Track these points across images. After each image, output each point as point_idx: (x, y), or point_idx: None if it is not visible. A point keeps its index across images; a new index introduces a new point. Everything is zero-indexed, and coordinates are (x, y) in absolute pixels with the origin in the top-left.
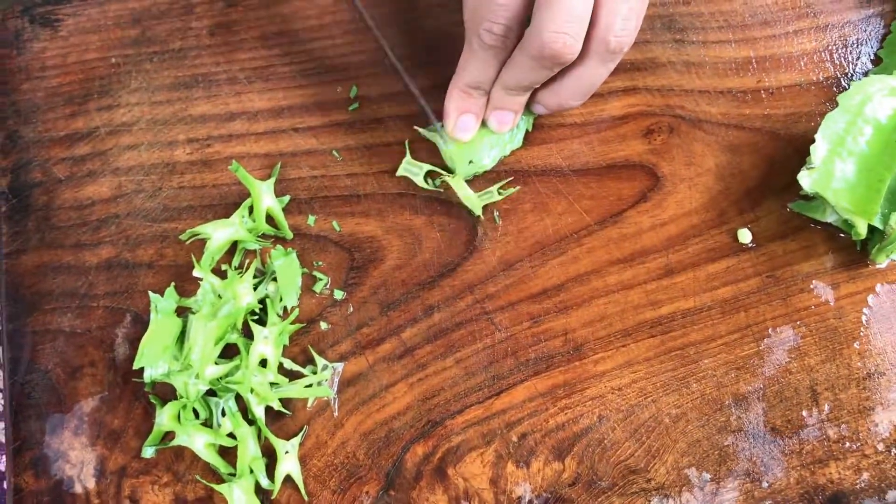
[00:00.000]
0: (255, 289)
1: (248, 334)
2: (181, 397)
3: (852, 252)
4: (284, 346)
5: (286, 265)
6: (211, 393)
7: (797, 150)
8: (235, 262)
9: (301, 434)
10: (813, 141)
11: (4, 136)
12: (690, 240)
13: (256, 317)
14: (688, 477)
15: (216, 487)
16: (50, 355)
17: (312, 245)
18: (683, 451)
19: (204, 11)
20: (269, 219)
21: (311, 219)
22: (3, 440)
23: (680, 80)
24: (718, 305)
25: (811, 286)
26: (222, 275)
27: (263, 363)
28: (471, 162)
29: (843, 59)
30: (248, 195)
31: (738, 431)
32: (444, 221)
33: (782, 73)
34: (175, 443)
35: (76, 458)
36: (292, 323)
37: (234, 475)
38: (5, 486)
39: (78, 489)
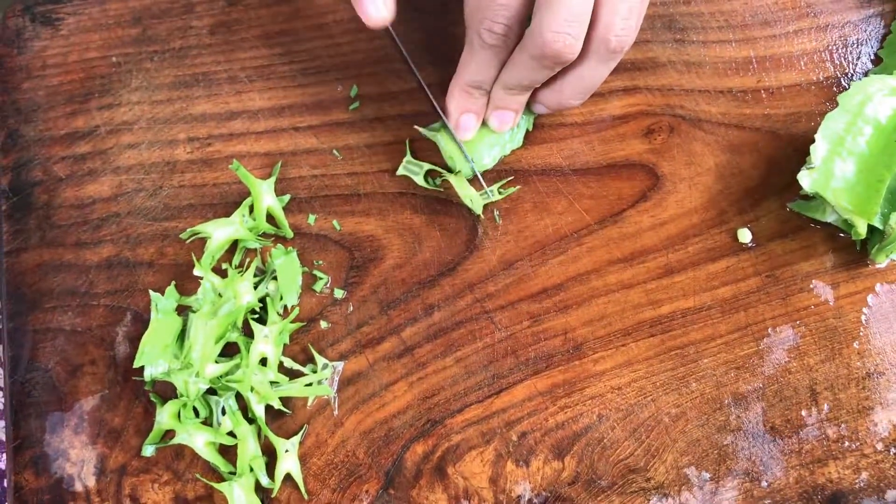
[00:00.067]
0: (255, 287)
1: (248, 333)
2: (181, 396)
3: (852, 252)
4: (284, 345)
5: (286, 264)
6: (211, 391)
7: (797, 150)
8: (236, 260)
9: (301, 433)
10: (813, 141)
11: (5, 135)
12: (690, 239)
13: (257, 315)
14: (687, 476)
15: (216, 486)
16: (50, 354)
17: (313, 244)
18: (683, 451)
19: (204, 10)
20: (270, 218)
21: (312, 218)
22: (4, 438)
23: (680, 79)
24: (718, 305)
25: (811, 286)
26: (223, 273)
27: (264, 362)
28: (472, 161)
29: (843, 58)
30: (249, 194)
31: (738, 431)
32: (445, 220)
33: (782, 73)
34: (175, 441)
35: (76, 456)
36: (292, 322)
37: (234, 474)
38: (6, 484)
39: (78, 487)
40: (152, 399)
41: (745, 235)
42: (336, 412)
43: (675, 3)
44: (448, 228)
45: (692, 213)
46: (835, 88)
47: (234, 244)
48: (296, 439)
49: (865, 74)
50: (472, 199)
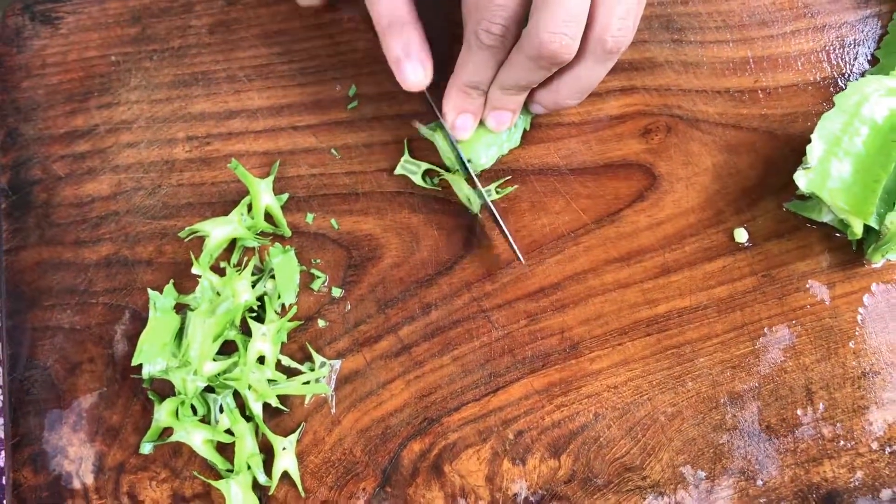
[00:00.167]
0: (253, 286)
1: (246, 331)
2: (179, 394)
3: (848, 252)
4: (282, 344)
5: (284, 263)
6: (209, 389)
7: (794, 150)
8: (234, 259)
9: (298, 431)
10: (809, 141)
11: (5, 134)
12: (687, 239)
13: (255, 314)
14: (683, 475)
15: (214, 483)
16: (49, 351)
17: (311, 243)
18: (679, 449)
19: (204, 10)
20: (268, 216)
21: (310, 217)
22: (3, 436)
23: (677, 79)
24: (714, 304)
25: (807, 285)
26: (221, 272)
27: (261, 360)
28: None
29: (840, 59)
30: (247, 193)
31: (734, 430)
32: (442, 220)
33: (779, 74)
34: (173, 439)
35: (75, 453)
36: (290, 320)
37: (231, 471)
38: (4, 481)
39: (76, 485)
40: (150, 397)
41: (741, 235)
42: (333, 410)
43: (672, 3)
44: (446, 227)
45: (689, 212)
46: (832, 89)
47: (233, 243)
48: (293, 437)
49: (862, 75)
50: (470, 198)
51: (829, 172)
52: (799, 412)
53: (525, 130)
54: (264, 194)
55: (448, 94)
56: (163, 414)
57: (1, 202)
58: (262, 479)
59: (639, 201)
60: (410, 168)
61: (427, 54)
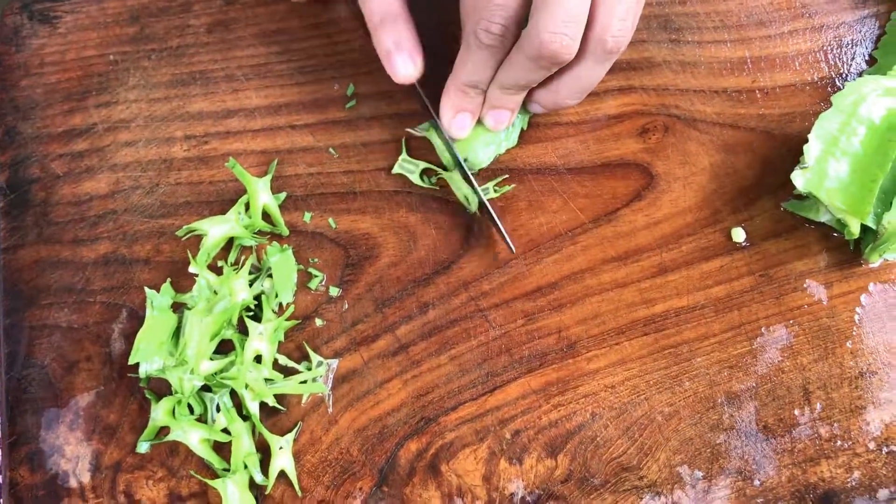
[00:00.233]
0: (250, 285)
1: (243, 330)
2: (176, 393)
3: (845, 251)
4: (279, 343)
5: (282, 262)
6: (206, 388)
7: (791, 150)
8: (231, 258)
9: (295, 430)
10: (807, 141)
11: (3, 132)
12: (684, 238)
13: (252, 313)
14: (680, 475)
15: (210, 483)
16: (46, 350)
17: (308, 242)
18: (676, 449)
19: (202, 9)
20: (266, 215)
21: (308, 216)
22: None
23: (675, 79)
24: (712, 304)
25: (804, 285)
26: (218, 271)
27: (258, 359)
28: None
29: (837, 59)
30: (245, 192)
31: (731, 430)
32: (440, 219)
33: (777, 73)
34: (170, 438)
35: (72, 452)
36: (287, 319)
37: (228, 470)
38: (1, 480)
39: (73, 483)
40: (147, 396)
41: (738, 235)
42: (330, 409)
43: (670, 3)
44: (443, 227)
45: (686, 212)
46: (829, 89)
47: (230, 242)
48: (290, 436)
49: (860, 75)
50: (468, 197)
51: (826, 172)
52: (796, 412)
53: (523, 130)
54: (262, 193)
55: (447, 93)
56: (159, 413)
57: None
58: (258, 478)
59: (636, 201)
60: (408, 167)
61: (418, 48)
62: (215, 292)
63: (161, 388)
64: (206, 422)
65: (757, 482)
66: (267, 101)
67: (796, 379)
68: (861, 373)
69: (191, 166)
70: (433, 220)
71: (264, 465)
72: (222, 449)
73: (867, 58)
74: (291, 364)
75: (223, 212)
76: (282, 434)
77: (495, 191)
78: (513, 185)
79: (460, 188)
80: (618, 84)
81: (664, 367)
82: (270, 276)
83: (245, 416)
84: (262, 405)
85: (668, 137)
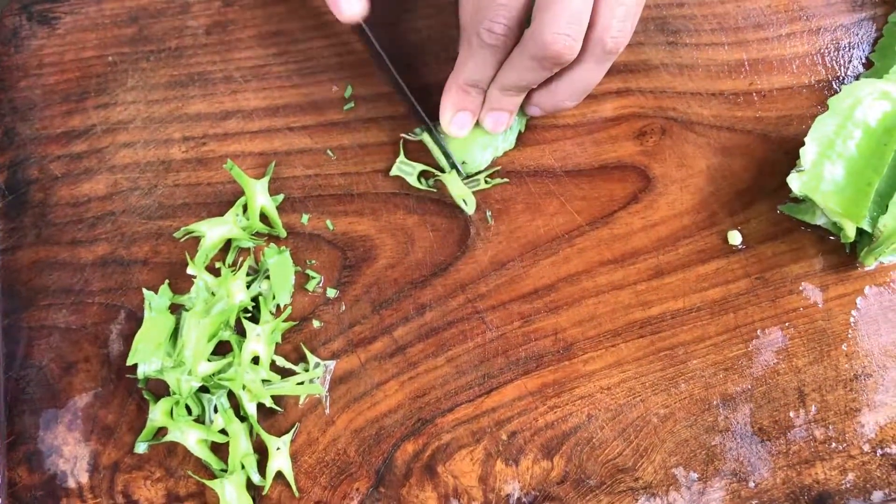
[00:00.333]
0: (248, 286)
1: (240, 332)
2: (174, 394)
3: (841, 254)
4: (277, 344)
5: (279, 263)
6: (203, 389)
7: (788, 153)
8: (229, 259)
9: (292, 431)
10: (803, 144)
11: (1, 133)
12: (681, 241)
13: (249, 314)
14: (675, 476)
15: (208, 483)
16: (45, 351)
17: (306, 243)
18: (671, 451)
19: (200, 10)
20: (263, 217)
21: (305, 217)
22: None
23: (672, 82)
24: (708, 306)
25: (800, 288)
26: (216, 272)
27: (256, 360)
28: (464, 162)
29: (834, 62)
30: (243, 193)
31: (726, 431)
32: (437, 221)
33: (774, 76)
34: (168, 439)
35: (70, 452)
36: (285, 321)
37: (225, 471)
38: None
39: (71, 484)
40: (145, 396)
41: (735, 238)
42: (327, 411)
43: (668, 5)
44: (440, 229)
45: (683, 214)
46: (826, 92)
47: (228, 243)
48: (287, 437)
49: (857, 78)
50: (465, 199)
51: (822, 175)
52: (791, 414)
53: (520, 132)
54: (260, 195)
55: (447, 92)
56: (157, 414)
57: None
58: (256, 478)
59: (633, 203)
60: (406, 169)
61: None
62: (213, 294)
63: (159, 388)
64: (203, 423)
65: (752, 484)
66: (265, 103)
67: (791, 381)
68: (856, 375)
69: (189, 168)
70: (430, 222)
71: (262, 466)
72: (220, 449)
73: (864, 61)
74: (289, 365)
75: (221, 213)
76: (279, 435)
77: (487, 182)
78: (506, 180)
79: (457, 191)
80: (615, 87)
81: (660, 369)
82: (268, 277)
83: (242, 417)
84: (260, 406)
85: (665, 140)
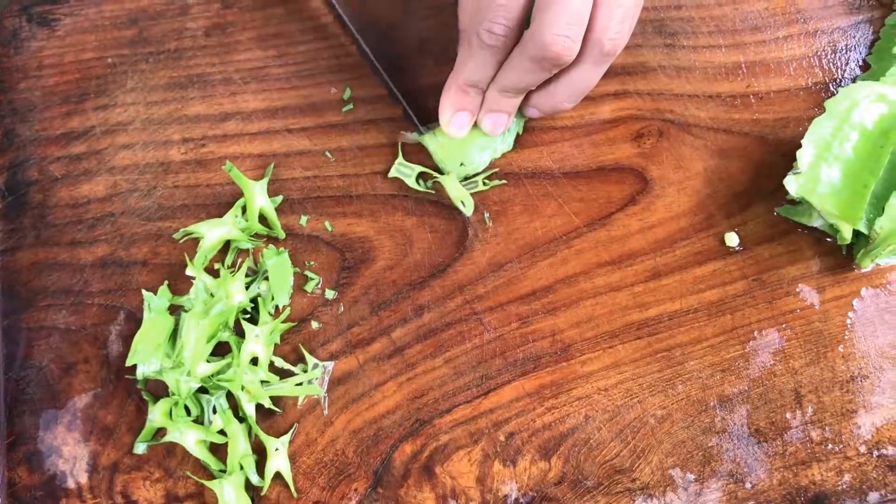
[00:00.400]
0: (247, 288)
1: (239, 333)
2: (173, 394)
3: (838, 256)
4: (275, 345)
5: (278, 264)
6: (202, 390)
7: (785, 155)
8: (228, 261)
9: (291, 431)
10: (800, 146)
11: (1, 135)
12: (678, 243)
13: (248, 315)
14: (672, 477)
15: (207, 483)
16: (44, 351)
17: (304, 245)
18: (668, 452)
19: (200, 12)
20: (262, 218)
21: (304, 219)
22: None
23: (670, 84)
24: (705, 308)
25: (797, 290)
26: (215, 273)
27: (255, 361)
28: (462, 164)
29: (831, 64)
30: (242, 195)
31: (723, 433)
32: (436, 223)
33: (771, 78)
34: (166, 439)
35: (69, 453)
36: (283, 322)
37: (224, 472)
38: None
39: (71, 484)
40: (144, 397)
41: (732, 239)
42: (326, 412)
43: (665, 7)
44: (439, 230)
45: (680, 216)
46: (823, 94)
47: (227, 244)
48: (286, 438)
49: (854, 80)
50: (464, 200)
51: (818, 177)
52: (788, 415)
53: (518, 134)
54: (258, 196)
55: (447, 92)
56: (156, 414)
57: None
58: (254, 479)
59: (630, 205)
60: (404, 171)
61: None
62: (212, 295)
63: (158, 389)
64: (202, 423)
65: (748, 485)
66: (264, 105)
67: (788, 383)
68: (853, 377)
69: (188, 169)
70: (429, 223)
71: (260, 467)
72: (219, 450)
73: (861, 63)
74: (287, 366)
75: (220, 215)
76: (277, 436)
77: (485, 183)
78: (504, 181)
79: (455, 192)
80: (613, 89)
81: (657, 370)
82: (267, 278)
83: (241, 418)
84: (259, 407)
85: (663, 142)
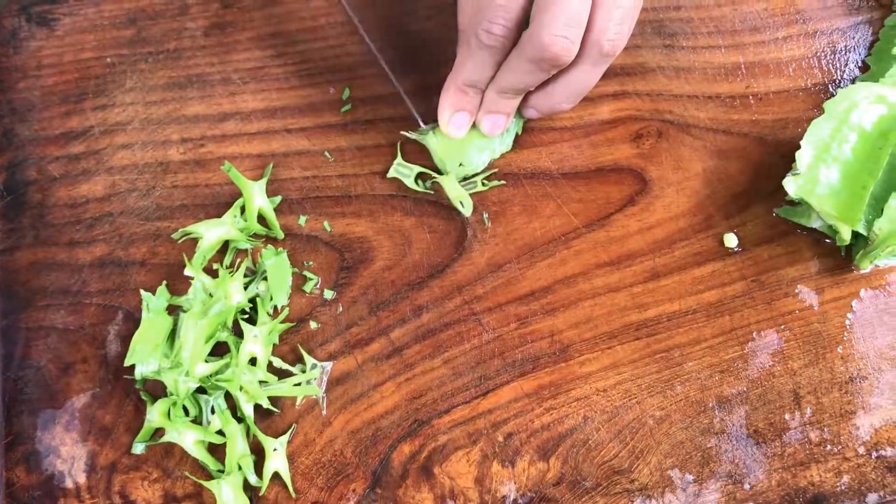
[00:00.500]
0: (245, 288)
1: (238, 333)
2: (171, 394)
3: (837, 257)
4: (274, 345)
5: (277, 265)
6: (201, 390)
7: (784, 156)
8: (227, 261)
9: (289, 432)
10: (799, 147)
11: (0, 135)
12: (677, 244)
13: (247, 315)
14: (670, 478)
15: (205, 484)
16: (43, 351)
17: (303, 245)
18: (667, 453)
19: (199, 12)
20: (261, 219)
21: (303, 219)
22: None
23: (669, 84)
24: (704, 309)
25: (796, 291)
26: (213, 274)
27: (253, 361)
28: (461, 165)
29: (831, 65)
30: (241, 195)
31: (721, 433)
32: (434, 223)
33: (771, 79)
34: (165, 439)
35: (67, 453)
36: (282, 322)
37: (222, 472)
38: None
39: (69, 484)
40: (143, 397)
41: (731, 240)
42: (324, 412)
43: (665, 8)
44: (437, 230)
45: (679, 217)
46: (822, 95)
47: (226, 244)
48: (284, 438)
49: (853, 81)
50: (462, 201)
51: (817, 179)
52: (787, 416)
53: (517, 135)
54: (257, 196)
55: (445, 92)
56: (155, 414)
57: None
58: (252, 479)
59: (629, 206)
60: (403, 171)
61: None
62: (210, 295)
63: (156, 389)
64: (200, 423)
65: (747, 486)
66: (263, 105)
67: (787, 384)
68: (851, 378)
69: (187, 169)
70: (428, 223)
71: (258, 467)
72: (217, 450)
73: (860, 64)
74: (286, 366)
75: (219, 215)
76: (276, 436)
77: (484, 184)
78: (503, 182)
79: (454, 193)
80: (612, 89)
81: (656, 371)
82: (265, 278)
83: (239, 418)
84: (257, 407)
85: (662, 143)
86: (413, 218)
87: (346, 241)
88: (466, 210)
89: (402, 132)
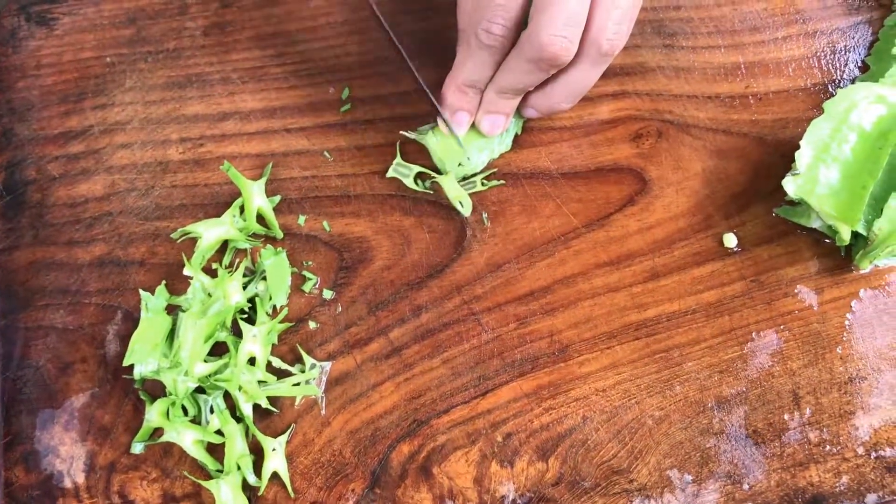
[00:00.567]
0: (244, 287)
1: (237, 332)
2: (170, 394)
3: (836, 257)
4: (273, 345)
5: (276, 264)
6: (200, 390)
7: (784, 156)
8: (226, 260)
9: (288, 432)
10: (799, 147)
11: None
12: (676, 243)
13: (246, 315)
14: (669, 478)
15: (204, 484)
16: (42, 351)
17: (302, 245)
18: (666, 453)
19: (198, 12)
20: (260, 218)
21: (302, 219)
22: None
23: (669, 84)
24: (703, 309)
25: (795, 291)
26: (212, 273)
27: (252, 361)
28: (460, 164)
29: (830, 65)
30: (240, 195)
31: (721, 434)
32: (434, 223)
33: (770, 79)
34: (164, 439)
35: (66, 452)
36: (281, 322)
37: (221, 472)
38: None
39: (68, 484)
40: (142, 397)
41: (730, 240)
42: (323, 412)
43: (664, 8)
44: (437, 230)
45: (679, 217)
46: (822, 95)
47: (225, 244)
48: (283, 438)
49: (853, 81)
50: (462, 201)
51: (817, 179)
52: (786, 417)
53: (517, 135)
54: (256, 196)
55: (445, 93)
56: (154, 414)
57: None
58: (251, 479)
59: (629, 206)
60: (402, 171)
61: None
62: (209, 295)
63: (155, 389)
64: (199, 423)
65: (746, 486)
66: (262, 105)
67: (786, 384)
68: (851, 378)
69: (186, 169)
70: (427, 223)
71: (257, 467)
72: (216, 450)
73: (860, 64)
74: (285, 366)
75: (218, 214)
76: (275, 436)
77: (483, 184)
78: (502, 182)
79: (453, 192)
80: (612, 89)
81: (655, 371)
82: (264, 278)
83: (238, 418)
84: (256, 407)
85: (662, 143)
86: (412, 218)
87: (345, 240)
88: (466, 210)
89: (401, 132)
